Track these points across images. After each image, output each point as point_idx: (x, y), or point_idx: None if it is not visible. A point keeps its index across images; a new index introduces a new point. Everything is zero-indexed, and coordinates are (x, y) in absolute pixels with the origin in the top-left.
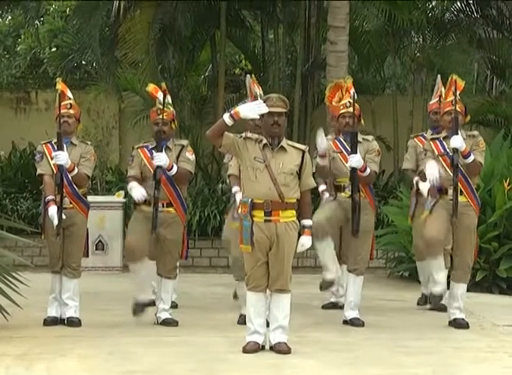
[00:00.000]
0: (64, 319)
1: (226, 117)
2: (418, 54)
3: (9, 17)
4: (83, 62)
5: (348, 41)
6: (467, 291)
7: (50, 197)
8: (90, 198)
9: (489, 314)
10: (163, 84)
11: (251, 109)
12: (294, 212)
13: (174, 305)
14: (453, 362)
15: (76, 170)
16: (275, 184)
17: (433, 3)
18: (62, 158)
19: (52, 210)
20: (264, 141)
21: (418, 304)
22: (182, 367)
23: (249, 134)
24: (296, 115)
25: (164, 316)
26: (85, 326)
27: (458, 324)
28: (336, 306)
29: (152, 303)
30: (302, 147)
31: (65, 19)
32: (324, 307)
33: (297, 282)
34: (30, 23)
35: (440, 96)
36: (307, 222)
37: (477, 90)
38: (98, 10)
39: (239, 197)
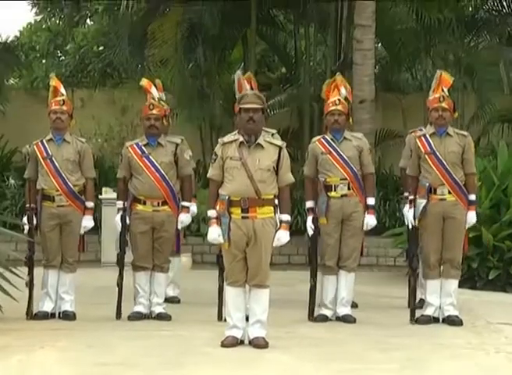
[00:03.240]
0: (59, 313)
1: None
2: (450, 52)
3: (62, 16)
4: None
5: (379, 40)
6: (480, 289)
7: (31, 205)
8: (112, 195)
9: (489, 312)
10: (157, 81)
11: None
12: (272, 208)
13: (176, 301)
14: (426, 358)
15: (91, 203)
16: (251, 181)
17: (464, 1)
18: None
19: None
20: (241, 139)
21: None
22: (153, 360)
23: (225, 139)
24: None
25: (158, 310)
26: (80, 320)
27: (451, 321)
28: None
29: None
30: (279, 143)
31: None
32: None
33: (299, 279)
34: (81, 22)
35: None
36: (284, 217)
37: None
38: (127, 9)
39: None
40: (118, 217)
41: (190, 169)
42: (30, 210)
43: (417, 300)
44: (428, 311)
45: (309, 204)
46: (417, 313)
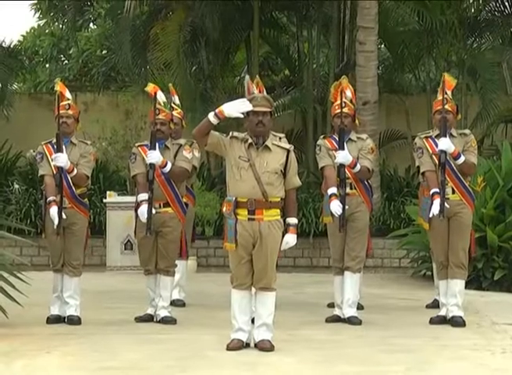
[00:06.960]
0: (64, 318)
1: (211, 116)
2: (452, 54)
3: (65, 20)
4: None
5: (381, 41)
6: (486, 289)
7: (51, 197)
8: (119, 198)
9: (495, 313)
10: (170, 85)
11: (235, 107)
12: (278, 211)
13: (181, 304)
14: (430, 360)
15: (75, 171)
16: (258, 183)
17: (466, 3)
18: (62, 160)
19: (53, 210)
20: (250, 140)
21: (427, 307)
22: (158, 364)
23: (235, 133)
24: (328, 115)
25: (163, 313)
26: (86, 324)
27: (455, 322)
28: None
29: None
30: (287, 146)
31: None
32: (329, 305)
33: (304, 282)
34: (85, 25)
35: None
36: (291, 220)
37: None
38: (129, 12)
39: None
40: (143, 207)
41: (185, 165)
42: (56, 203)
43: (432, 300)
44: (443, 311)
45: (332, 190)
46: (433, 313)
